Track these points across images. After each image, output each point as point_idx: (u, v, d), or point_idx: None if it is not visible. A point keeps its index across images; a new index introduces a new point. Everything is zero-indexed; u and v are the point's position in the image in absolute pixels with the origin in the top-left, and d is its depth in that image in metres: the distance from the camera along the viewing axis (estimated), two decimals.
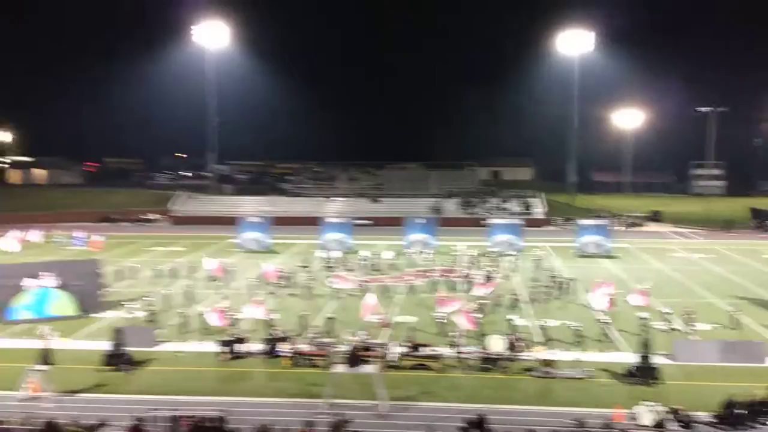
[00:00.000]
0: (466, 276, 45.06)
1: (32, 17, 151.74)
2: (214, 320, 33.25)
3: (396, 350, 28.80)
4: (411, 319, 35.85)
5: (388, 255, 52.33)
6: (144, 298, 38.20)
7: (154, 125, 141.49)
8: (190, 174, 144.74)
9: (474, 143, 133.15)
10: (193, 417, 21.13)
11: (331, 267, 49.64)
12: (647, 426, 22.17)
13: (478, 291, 39.90)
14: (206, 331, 33.02)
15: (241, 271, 48.82)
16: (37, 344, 29.14)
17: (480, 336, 31.15)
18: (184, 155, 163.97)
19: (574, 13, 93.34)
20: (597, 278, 42.06)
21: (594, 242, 60.23)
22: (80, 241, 61.38)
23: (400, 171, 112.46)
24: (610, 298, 37.43)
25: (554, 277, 43.92)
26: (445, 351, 29.59)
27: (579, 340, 31.42)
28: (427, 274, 46.34)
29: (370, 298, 34.76)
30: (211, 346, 30.72)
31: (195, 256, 56.99)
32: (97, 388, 26.39)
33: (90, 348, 31.11)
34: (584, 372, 27.47)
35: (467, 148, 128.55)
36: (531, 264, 49.29)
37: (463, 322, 31.94)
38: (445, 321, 33.81)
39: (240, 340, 30.45)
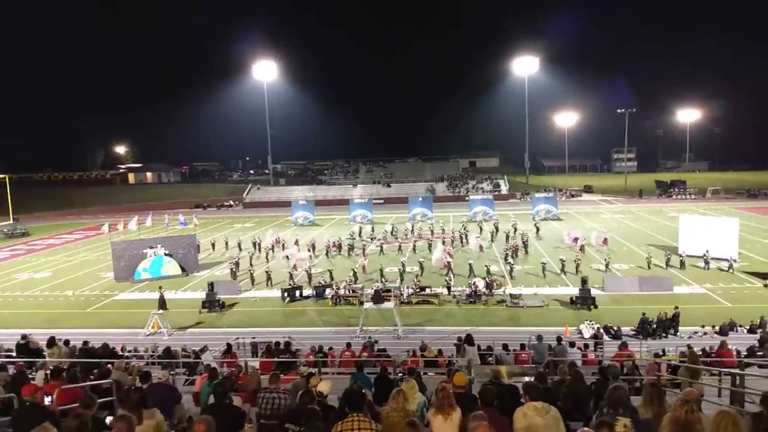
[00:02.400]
0: (459, 237, 44.74)
1: (137, 54, 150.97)
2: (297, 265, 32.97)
3: (407, 291, 28.92)
4: (416, 268, 35.93)
5: (407, 225, 51.33)
6: (229, 262, 38.35)
7: (227, 138, 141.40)
8: (254, 171, 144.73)
9: (456, 141, 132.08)
10: (267, 342, 21.38)
11: (362, 236, 48.37)
12: (587, 338, 22.21)
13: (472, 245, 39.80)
14: (273, 283, 33.24)
15: (296, 239, 48.88)
16: (156, 296, 29.50)
17: (468, 278, 31.26)
18: (247, 158, 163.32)
19: (524, 43, 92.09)
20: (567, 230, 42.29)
21: (545, 209, 59.80)
22: (182, 223, 61.79)
23: (404, 164, 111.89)
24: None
25: (522, 234, 42.92)
26: (443, 291, 29.72)
27: (543, 276, 31.39)
28: (427, 236, 45.95)
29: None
30: (277, 293, 30.96)
31: (261, 231, 57.25)
32: (198, 324, 26.72)
33: (192, 297, 31.44)
34: (542, 302, 27.47)
35: (452, 144, 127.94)
36: (505, 227, 48.82)
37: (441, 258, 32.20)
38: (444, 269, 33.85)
39: (298, 288, 30.64)
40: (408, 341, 22.56)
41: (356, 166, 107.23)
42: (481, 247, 39.02)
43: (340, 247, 42.05)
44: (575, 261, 33.47)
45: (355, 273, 32.86)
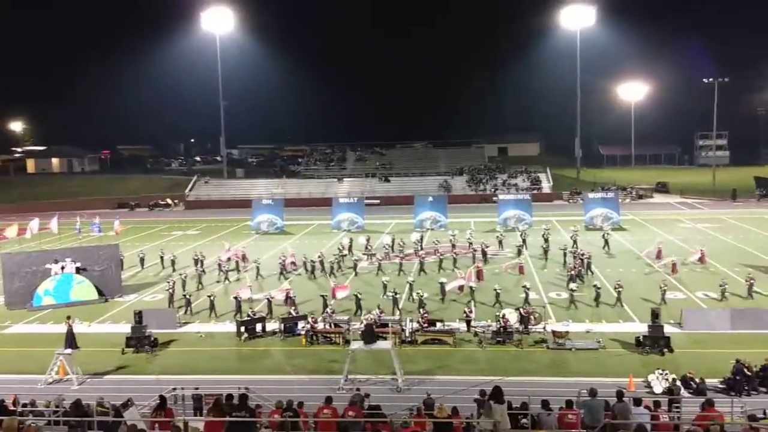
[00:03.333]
0: (480, 250, 45.32)
1: (42, 11, 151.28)
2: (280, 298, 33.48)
3: (410, 326, 28.97)
4: (424, 294, 35.98)
5: (414, 237, 51.50)
6: (166, 282, 38.50)
7: (164, 112, 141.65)
8: (202, 159, 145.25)
9: (481, 121, 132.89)
10: (215, 394, 21.30)
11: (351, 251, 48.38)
12: (659, 393, 22.20)
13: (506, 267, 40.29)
14: (226, 313, 33.35)
15: (257, 254, 48.91)
16: (63, 329, 29.43)
17: (493, 307, 31.32)
18: (192, 140, 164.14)
19: None
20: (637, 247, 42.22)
21: (602, 215, 60.11)
22: (96, 228, 61.73)
23: (409, 150, 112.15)
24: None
25: (574, 252, 42.99)
26: (460, 326, 29.76)
27: (595, 309, 31.54)
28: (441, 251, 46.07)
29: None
30: (230, 327, 31.06)
31: (211, 241, 57.28)
32: (121, 369, 26.71)
33: (113, 331, 31.51)
34: (597, 342, 27.55)
35: (474, 125, 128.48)
36: (543, 238, 49.05)
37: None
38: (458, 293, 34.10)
39: (259, 320, 30.71)
40: (411, 395, 22.62)
41: (342, 153, 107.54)
42: (521, 268, 39.54)
43: (313, 268, 42.25)
44: (661, 287, 33.60)
45: (357, 297, 33.25)
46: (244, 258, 45.90)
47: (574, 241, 47.78)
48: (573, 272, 37.74)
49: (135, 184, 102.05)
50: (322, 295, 33.72)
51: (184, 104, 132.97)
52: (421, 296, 32.93)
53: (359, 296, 33.37)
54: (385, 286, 35.90)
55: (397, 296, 33.50)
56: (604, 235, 49.20)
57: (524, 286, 33.55)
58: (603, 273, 40.26)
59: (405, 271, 41.82)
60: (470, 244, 47.80)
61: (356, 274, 41.70)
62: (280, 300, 33.83)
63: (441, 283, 35.66)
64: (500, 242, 49.26)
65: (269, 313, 32.52)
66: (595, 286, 34.02)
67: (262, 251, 50.21)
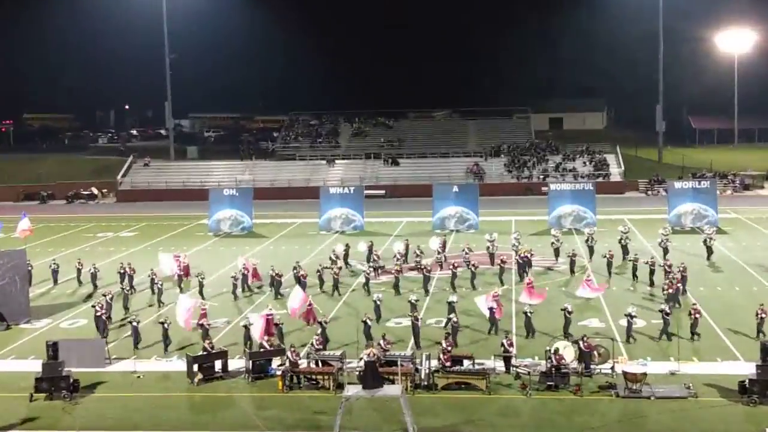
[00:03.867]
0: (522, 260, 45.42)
1: None
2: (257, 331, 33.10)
3: (426, 364, 28.91)
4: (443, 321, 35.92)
5: (433, 243, 51.35)
6: (92, 302, 38.40)
7: (89, 68, 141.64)
8: (140, 133, 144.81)
9: (526, 82, 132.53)
10: None
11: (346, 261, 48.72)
12: None
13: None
14: (174, 346, 33.35)
15: (211, 264, 48.93)
16: None
17: (540, 340, 31.22)
18: (126, 107, 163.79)
19: None
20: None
21: (693, 212, 60.04)
22: None
23: (426, 122, 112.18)
24: None
25: (667, 266, 42.74)
26: (495, 364, 29.68)
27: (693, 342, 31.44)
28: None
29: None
30: (179, 365, 31.00)
31: (151, 247, 57.35)
32: (29, 422, 26.58)
33: (18, 370, 31.38)
34: (685, 389, 27.43)
35: (517, 88, 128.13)
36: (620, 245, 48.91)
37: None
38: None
39: (218, 355, 30.67)
40: None
41: (334, 125, 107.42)
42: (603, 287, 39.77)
43: (278, 284, 42.40)
44: (758, 314, 33.39)
45: (322, 326, 33.15)
46: (186, 272, 45.97)
47: (665, 250, 47.65)
48: (670, 290, 37.61)
49: (48, 167, 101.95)
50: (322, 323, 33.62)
51: (116, 59, 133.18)
52: (454, 323, 33.23)
53: (368, 321, 33.53)
54: (413, 306, 35.74)
55: (417, 321, 33.72)
56: (706, 240, 49.22)
57: (564, 309, 33.59)
58: (696, 292, 40.17)
59: (429, 287, 42.39)
60: (517, 251, 47.60)
61: (368, 292, 41.86)
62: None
63: (450, 303, 35.59)
64: (556, 251, 48.91)
65: (247, 343, 32.53)
66: (693, 309, 33.72)
67: (220, 261, 50.13)
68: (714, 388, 27.82)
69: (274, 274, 42.63)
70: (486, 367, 29.21)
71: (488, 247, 48.54)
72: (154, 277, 42.89)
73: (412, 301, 36.47)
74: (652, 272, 42.40)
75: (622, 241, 48.92)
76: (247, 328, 33.27)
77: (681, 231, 57.67)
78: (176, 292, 42.35)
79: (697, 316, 33.38)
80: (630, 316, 33.48)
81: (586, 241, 49.71)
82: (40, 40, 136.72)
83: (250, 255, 49.52)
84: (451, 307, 35.03)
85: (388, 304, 38.60)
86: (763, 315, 33.20)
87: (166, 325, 33.35)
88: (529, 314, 34.03)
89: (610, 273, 44.64)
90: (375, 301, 37.05)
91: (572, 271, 45.36)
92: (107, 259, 51.93)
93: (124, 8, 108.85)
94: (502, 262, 44.80)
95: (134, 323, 33.94)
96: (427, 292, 41.96)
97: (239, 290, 42.66)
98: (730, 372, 28.96)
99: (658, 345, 32.53)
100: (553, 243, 49.96)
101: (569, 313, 33.61)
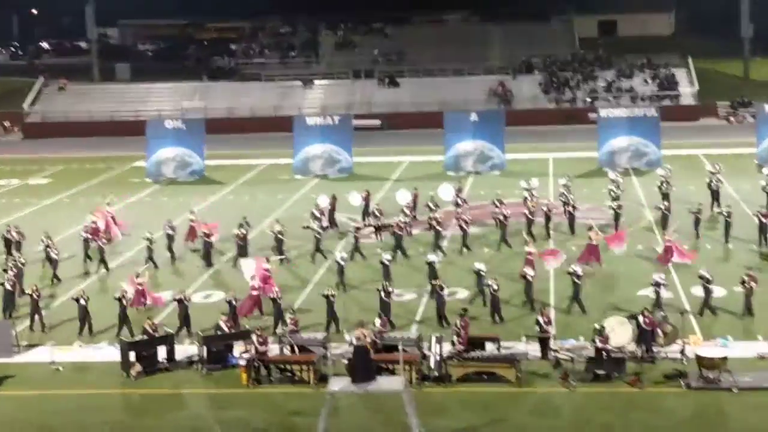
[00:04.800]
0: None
1: None
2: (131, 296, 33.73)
3: (436, 349, 28.96)
4: (462, 292, 36.25)
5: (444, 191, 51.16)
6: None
7: None
8: (54, 47, 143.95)
9: None
10: None
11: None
12: None
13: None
14: (106, 327, 33.46)
15: (152, 219, 48.92)
16: None
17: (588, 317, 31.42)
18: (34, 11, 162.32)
19: None
20: None
21: None
22: None
23: (435, 28, 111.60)
24: None
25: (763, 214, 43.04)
26: (527, 348, 29.87)
27: None
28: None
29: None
30: (114, 353, 31.06)
31: (69, 198, 57.32)
32: None
33: None
34: None
35: None
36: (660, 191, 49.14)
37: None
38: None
39: (163, 339, 30.81)
40: None
41: (312, 34, 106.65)
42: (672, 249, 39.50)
43: (242, 247, 42.57)
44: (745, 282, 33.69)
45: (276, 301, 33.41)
46: (108, 230, 46.05)
47: None
48: None
49: None
50: (276, 299, 33.85)
51: None
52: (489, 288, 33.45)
53: (330, 296, 33.46)
54: (432, 270, 36.16)
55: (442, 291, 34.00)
56: None
57: (656, 284, 33.56)
58: None
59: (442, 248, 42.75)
60: (565, 203, 47.27)
61: (363, 257, 42.35)
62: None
63: (477, 272, 35.86)
64: (616, 201, 47.54)
65: (183, 328, 32.70)
66: (748, 276, 33.79)
67: (163, 216, 49.95)
68: None
69: (240, 234, 42.82)
70: (516, 351, 29.38)
71: (525, 199, 47.73)
72: (88, 237, 43.06)
73: (434, 262, 36.87)
74: (762, 227, 42.42)
75: (713, 185, 48.69)
76: (231, 304, 33.48)
77: None
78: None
79: (753, 284, 33.43)
80: (705, 280, 33.57)
81: (659, 186, 49.50)
82: None
83: (200, 208, 49.66)
84: (480, 277, 35.40)
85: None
86: (753, 283, 33.38)
87: (82, 301, 33.45)
88: (577, 280, 34.25)
89: (697, 232, 44.17)
90: (338, 262, 37.80)
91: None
92: (12, 215, 51.90)
93: None
94: (548, 210, 45.13)
95: (81, 300, 33.87)
96: (441, 250, 42.37)
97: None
98: None
99: (741, 321, 32.71)
100: (611, 191, 49.19)
101: (659, 285, 33.47)
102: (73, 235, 45.66)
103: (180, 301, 33.51)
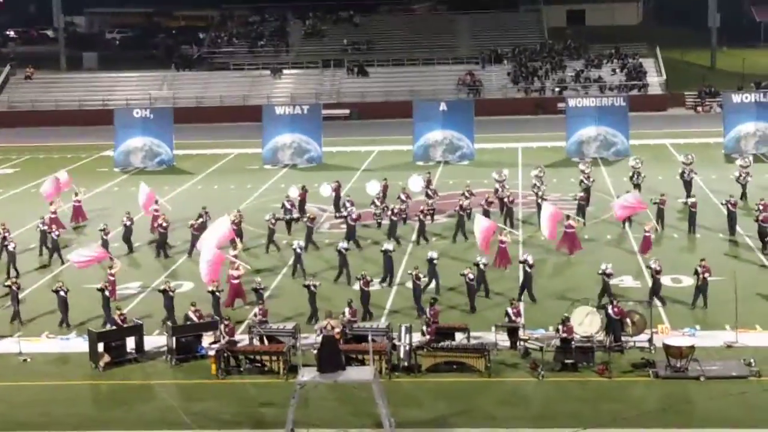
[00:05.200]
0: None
1: None
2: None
3: (406, 338, 29.00)
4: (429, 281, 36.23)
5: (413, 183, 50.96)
6: None
7: None
8: (20, 35, 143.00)
9: None
10: None
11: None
12: None
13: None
14: (72, 318, 33.39)
15: (119, 209, 48.73)
16: None
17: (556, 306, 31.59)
18: None
19: None
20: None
21: (757, 133, 60.64)
22: None
23: (404, 17, 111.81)
24: None
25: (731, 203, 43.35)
26: (496, 337, 29.93)
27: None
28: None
29: None
30: (81, 344, 30.98)
31: (37, 186, 56.99)
32: None
33: None
34: (745, 366, 27.70)
35: None
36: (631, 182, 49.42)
37: None
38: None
39: (131, 331, 30.68)
40: None
41: (281, 22, 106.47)
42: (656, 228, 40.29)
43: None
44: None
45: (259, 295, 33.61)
46: (79, 217, 46.79)
47: (743, 188, 48.36)
48: None
49: None
50: (258, 290, 34.02)
51: None
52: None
53: (313, 287, 33.55)
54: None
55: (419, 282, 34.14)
56: None
57: (603, 273, 33.67)
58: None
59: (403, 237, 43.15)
60: (536, 194, 46.91)
61: (315, 247, 42.70)
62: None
63: (430, 260, 36.21)
64: (586, 192, 47.90)
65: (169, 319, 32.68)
66: (701, 266, 34.02)
67: (130, 206, 49.72)
68: None
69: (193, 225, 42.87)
70: (485, 341, 29.49)
71: (496, 190, 47.68)
72: (45, 228, 42.88)
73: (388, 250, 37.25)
74: (731, 216, 42.78)
75: (685, 176, 48.78)
76: (215, 295, 33.47)
77: (741, 160, 57.63)
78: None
79: (706, 275, 33.59)
80: (654, 271, 33.80)
81: (631, 177, 49.71)
82: None
83: (166, 198, 49.52)
84: (432, 266, 35.82)
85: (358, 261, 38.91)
86: (706, 274, 33.70)
87: (62, 293, 33.41)
88: (529, 269, 34.59)
89: (661, 223, 44.24)
90: (295, 250, 38.26)
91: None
92: None
93: None
94: (510, 201, 45.32)
95: (61, 292, 33.81)
96: (425, 240, 43.25)
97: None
98: None
99: (708, 310, 32.93)
100: (582, 181, 49.11)
101: (607, 275, 33.65)
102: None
103: (164, 292, 33.51)
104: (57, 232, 42.57)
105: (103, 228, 42.71)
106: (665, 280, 34.80)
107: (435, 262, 35.93)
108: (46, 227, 42.78)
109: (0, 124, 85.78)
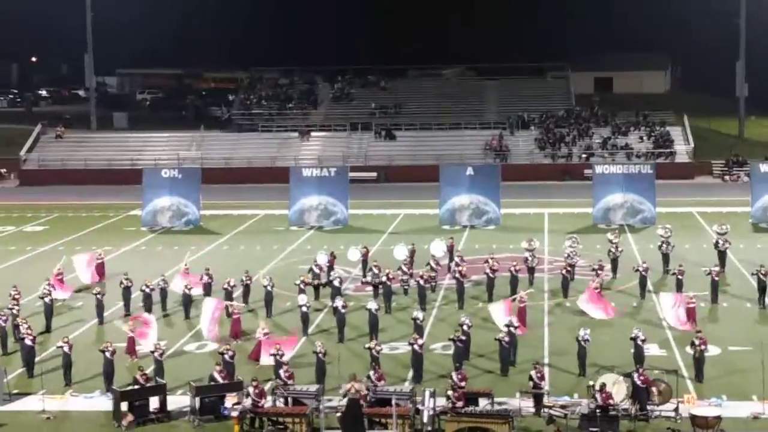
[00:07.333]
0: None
1: None
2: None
3: (430, 403, 28.67)
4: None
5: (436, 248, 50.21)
6: None
7: None
8: (52, 94, 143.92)
9: (564, 31, 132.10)
10: None
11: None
12: None
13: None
14: (97, 375, 33.22)
15: (149, 270, 48.83)
16: None
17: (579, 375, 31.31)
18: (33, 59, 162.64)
19: None
20: None
21: None
22: None
23: (432, 82, 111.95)
24: None
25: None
26: (521, 403, 29.73)
27: None
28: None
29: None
30: (106, 402, 30.87)
31: (66, 243, 57.21)
32: None
33: None
34: None
35: (553, 39, 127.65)
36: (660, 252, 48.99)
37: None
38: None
39: (155, 390, 30.60)
40: None
41: (310, 85, 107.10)
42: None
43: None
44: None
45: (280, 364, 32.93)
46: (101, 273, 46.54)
47: None
48: None
49: None
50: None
51: None
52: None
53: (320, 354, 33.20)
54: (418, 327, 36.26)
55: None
56: None
57: (634, 338, 33.35)
58: None
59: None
60: (568, 257, 46.84)
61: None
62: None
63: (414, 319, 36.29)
64: (614, 262, 47.80)
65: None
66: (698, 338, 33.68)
67: (157, 265, 49.76)
68: None
69: (229, 285, 42.66)
70: (509, 407, 29.21)
71: (527, 259, 46.76)
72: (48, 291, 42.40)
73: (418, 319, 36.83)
74: (762, 286, 42.24)
75: (720, 246, 48.08)
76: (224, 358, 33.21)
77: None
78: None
79: (702, 347, 33.16)
80: (640, 340, 33.36)
81: (659, 247, 49.00)
82: None
83: (192, 258, 49.52)
84: (418, 326, 36.09)
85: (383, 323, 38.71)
86: (703, 346, 33.26)
87: (107, 354, 32.80)
88: (583, 341, 33.63)
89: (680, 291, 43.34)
90: (301, 308, 38.50)
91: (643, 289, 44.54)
92: (7, 261, 51.84)
93: None
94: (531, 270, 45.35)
95: (65, 347, 33.69)
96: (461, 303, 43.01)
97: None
98: None
99: (733, 381, 32.52)
100: (610, 251, 48.44)
101: (642, 341, 33.24)
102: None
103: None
104: (51, 297, 41.48)
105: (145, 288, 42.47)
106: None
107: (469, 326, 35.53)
108: (50, 289, 41.94)
109: (30, 182, 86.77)
